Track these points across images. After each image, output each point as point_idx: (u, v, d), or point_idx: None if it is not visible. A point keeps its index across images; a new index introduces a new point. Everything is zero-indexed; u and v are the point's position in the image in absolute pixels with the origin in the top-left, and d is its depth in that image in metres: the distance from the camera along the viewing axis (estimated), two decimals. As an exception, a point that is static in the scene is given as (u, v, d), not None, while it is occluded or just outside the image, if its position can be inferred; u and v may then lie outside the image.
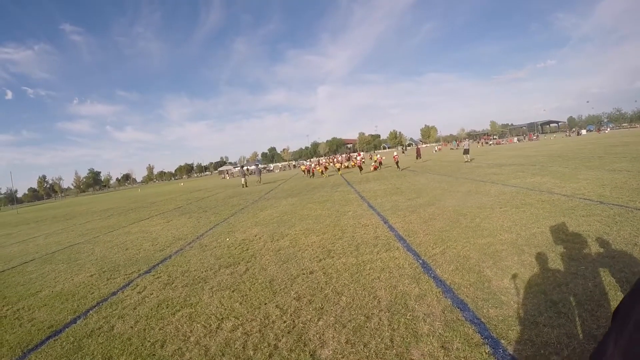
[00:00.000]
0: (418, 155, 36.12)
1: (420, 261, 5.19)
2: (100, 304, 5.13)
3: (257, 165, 32.29)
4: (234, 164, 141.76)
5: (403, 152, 59.30)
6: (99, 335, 4.11)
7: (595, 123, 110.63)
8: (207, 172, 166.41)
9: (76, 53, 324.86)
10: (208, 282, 5.40)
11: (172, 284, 5.54)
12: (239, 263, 6.16)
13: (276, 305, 4.27)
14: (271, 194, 18.72)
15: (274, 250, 6.73)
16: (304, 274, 5.23)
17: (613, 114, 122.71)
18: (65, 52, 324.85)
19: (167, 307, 4.59)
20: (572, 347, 2.81)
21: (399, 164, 27.22)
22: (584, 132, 79.01)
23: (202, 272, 5.94)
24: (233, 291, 4.86)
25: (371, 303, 4.01)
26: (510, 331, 3.11)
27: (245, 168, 31.44)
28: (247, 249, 7.03)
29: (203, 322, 4.07)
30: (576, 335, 2.95)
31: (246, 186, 26.80)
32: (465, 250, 5.44)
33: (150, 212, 18.19)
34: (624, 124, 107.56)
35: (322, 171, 29.19)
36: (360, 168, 27.55)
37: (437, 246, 5.80)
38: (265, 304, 4.36)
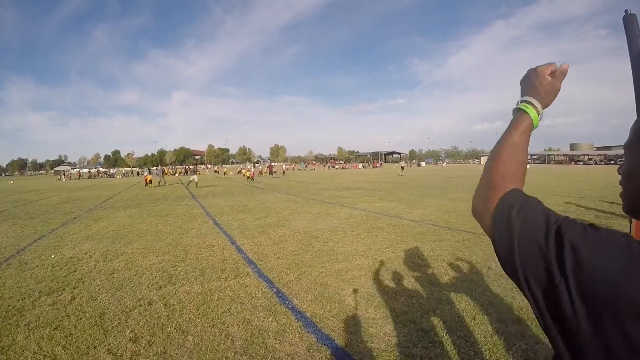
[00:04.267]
0: (270, 171, 41.38)
1: (275, 289, 4.96)
2: None
3: (160, 167, 37.75)
4: (73, 165, 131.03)
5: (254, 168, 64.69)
6: None
7: (434, 157, 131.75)
8: (42, 171, 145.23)
9: None
10: (25, 315, 4.50)
11: (-20, 316, 4.51)
12: (64, 289, 5.36)
13: (108, 350, 3.54)
14: (109, 203, 17.28)
15: (107, 273, 6.01)
16: (141, 306, 4.61)
17: (450, 151, 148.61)
18: None
19: (-30, 355, 3.62)
20: (452, 380, 2.86)
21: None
22: (423, 164, 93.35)
23: (19, 300, 5.01)
24: (55, 329, 4.07)
25: (224, 343, 3.57)
26: (387, 368, 3.03)
27: (160, 168, 35.62)
28: (75, 271, 6.26)
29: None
30: (456, 366, 3.03)
31: (159, 185, 29.05)
32: (322, 276, 5.45)
33: (-34, 215, 15.24)
34: (459, 160, 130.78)
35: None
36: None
37: (291, 272, 5.69)
38: (95, 347, 3.61)
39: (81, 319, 4.28)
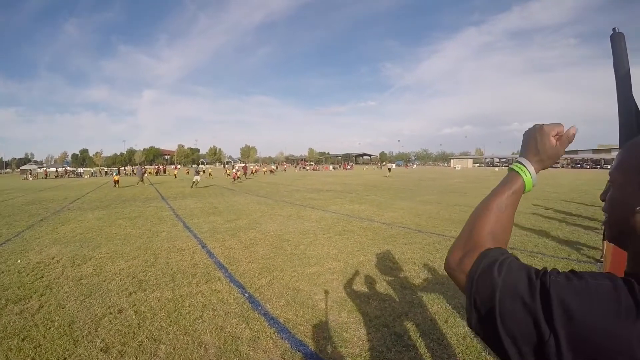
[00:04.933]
0: (244, 172, 40.50)
1: (247, 295, 4.92)
2: None
3: (141, 166, 37.55)
4: (40, 164, 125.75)
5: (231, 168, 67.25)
6: None
7: (404, 159, 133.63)
8: (7, 170, 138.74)
9: None
10: (-8, 324, 4.27)
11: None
12: (31, 297, 5.16)
13: (79, 362, 3.41)
14: (77, 204, 16.62)
15: (75, 279, 5.81)
16: (111, 314, 4.48)
17: (420, 153, 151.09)
18: None
19: None
20: (426, 384, 2.91)
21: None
22: (393, 166, 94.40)
23: (-16, 309, 4.76)
24: (23, 339, 3.89)
25: (197, 352, 3.52)
26: (362, 374, 3.06)
27: (141, 168, 35.30)
28: (42, 277, 6.03)
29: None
30: (430, 370, 3.08)
31: (137, 185, 28.70)
32: (294, 281, 5.45)
33: None
34: (428, 162, 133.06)
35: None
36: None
37: (262, 276, 5.66)
38: (65, 358, 3.48)
39: (50, 328, 4.13)
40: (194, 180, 27.25)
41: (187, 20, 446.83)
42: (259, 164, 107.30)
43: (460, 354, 3.30)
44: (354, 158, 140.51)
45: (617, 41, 1.21)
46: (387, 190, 20.68)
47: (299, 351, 3.45)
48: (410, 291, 4.85)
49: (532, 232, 8.51)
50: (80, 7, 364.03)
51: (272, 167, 69.74)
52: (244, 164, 56.24)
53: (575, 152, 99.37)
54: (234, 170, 35.96)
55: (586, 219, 10.04)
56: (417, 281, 5.25)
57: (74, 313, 4.52)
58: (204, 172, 28.18)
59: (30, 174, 61.21)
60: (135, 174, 32.01)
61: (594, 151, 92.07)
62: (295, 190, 22.22)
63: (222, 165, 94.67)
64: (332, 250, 7.13)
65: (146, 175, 43.10)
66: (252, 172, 49.99)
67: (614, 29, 1.22)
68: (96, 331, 4.02)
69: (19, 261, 6.89)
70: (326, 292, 4.93)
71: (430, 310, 4.24)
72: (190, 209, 13.92)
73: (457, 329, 3.75)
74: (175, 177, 46.28)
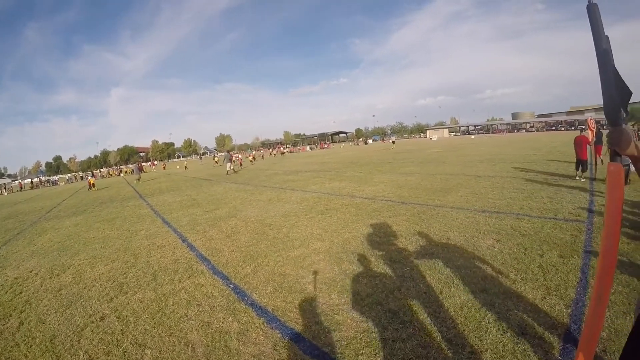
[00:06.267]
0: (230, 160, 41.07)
1: (232, 286, 4.74)
2: None
3: (137, 164, 38.10)
4: (14, 177, 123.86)
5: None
6: None
7: (380, 134, 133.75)
8: None
9: None
10: (-26, 350, 4.01)
11: None
12: (11, 315, 4.96)
13: (62, 377, 3.20)
14: (53, 213, 16.10)
15: (54, 291, 5.60)
16: (93, 323, 4.29)
17: (396, 127, 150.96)
18: None
19: None
20: (432, 357, 2.80)
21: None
22: (370, 141, 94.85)
23: (-36, 334, 4.49)
24: None
25: (184, 353, 3.34)
26: (360, 357, 2.92)
27: (137, 165, 36.16)
28: (21, 292, 5.83)
29: None
30: (431, 343, 2.98)
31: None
32: (280, 266, 5.28)
33: None
34: (404, 135, 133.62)
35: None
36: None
37: (246, 264, 5.48)
38: None
39: (31, 346, 3.92)
40: (227, 168, 27.51)
41: (149, 11, 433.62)
42: (236, 152, 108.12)
43: (459, 325, 3.17)
44: (329, 137, 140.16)
45: (593, 12, 1.33)
46: (366, 165, 20.62)
47: (290, 340, 3.28)
48: (400, 265, 4.72)
49: (517, 195, 8.49)
50: (39, 9, 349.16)
51: (283, 149, 76.27)
52: (231, 153, 56.95)
53: (549, 115, 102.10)
54: (245, 157, 36.41)
55: (567, 178, 10.12)
56: (405, 254, 5.13)
57: (55, 327, 4.32)
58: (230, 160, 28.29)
59: (5, 188, 59.55)
60: (133, 172, 33.85)
61: (568, 113, 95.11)
62: (274, 173, 22.01)
63: (198, 157, 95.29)
64: (315, 230, 6.99)
65: (122, 175, 42.96)
66: (261, 157, 54.99)
67: (589, 1, 1.34)
68: (79, 343, 3.83)
69: None
70: (314, 274, 4.78)
71: (423, 282, 4.11)
72: (168, 204, 13.63)
73: (452, 300, 3.63)
74: (186, 168, 48.81)
